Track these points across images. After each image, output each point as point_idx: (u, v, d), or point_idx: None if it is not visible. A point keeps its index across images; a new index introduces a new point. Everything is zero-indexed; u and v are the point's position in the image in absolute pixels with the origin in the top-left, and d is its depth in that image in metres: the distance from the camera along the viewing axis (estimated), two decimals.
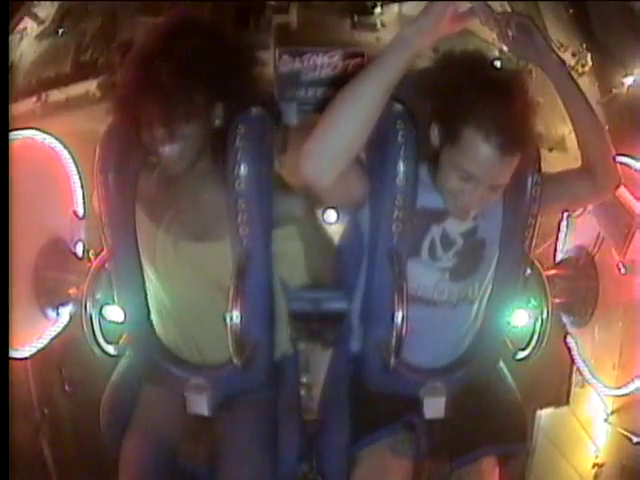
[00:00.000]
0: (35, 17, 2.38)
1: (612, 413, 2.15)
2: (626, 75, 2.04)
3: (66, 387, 2.42)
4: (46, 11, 2.44)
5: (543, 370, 1.69)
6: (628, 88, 2.04)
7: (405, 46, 1.30)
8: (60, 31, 2.52)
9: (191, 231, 1.59)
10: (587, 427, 2.32)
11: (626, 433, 2.01)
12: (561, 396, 2.47)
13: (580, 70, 2.18)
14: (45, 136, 1.92)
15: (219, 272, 1.56)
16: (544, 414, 2.40)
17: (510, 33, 1.40)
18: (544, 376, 1.69)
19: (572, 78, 1.51)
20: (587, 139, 1.58)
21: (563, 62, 1.50)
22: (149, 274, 1.66)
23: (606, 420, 2.17)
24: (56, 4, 2.46)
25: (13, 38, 2.28)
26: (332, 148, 1.35)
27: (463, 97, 1.41)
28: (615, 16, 2.01)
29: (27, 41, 2.37)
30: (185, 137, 1.48)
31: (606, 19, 1.95)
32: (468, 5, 1.31)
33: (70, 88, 2.18)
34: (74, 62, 2.57)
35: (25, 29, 2.35)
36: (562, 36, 2.13)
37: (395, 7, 3.36)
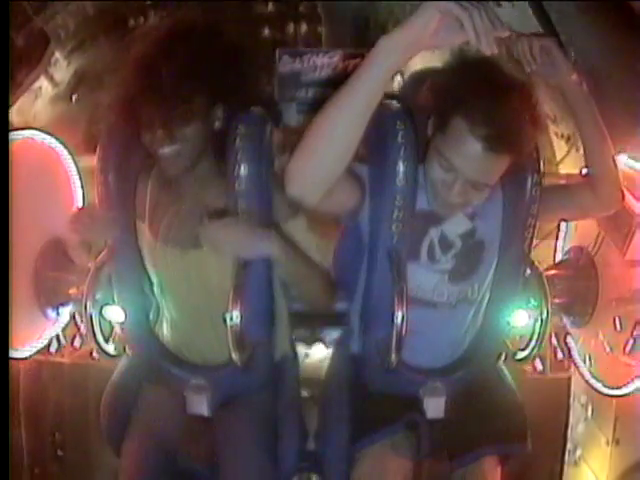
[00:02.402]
0: (51, 79, 2.39)
1: None
2: (619, 152, 1.99)
3: (58, 452, 2.44)
4: (62, 74, 2.43)
5: (534, 450, 1.71)
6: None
7: (385, 59, 1.18)
8: (74, 97, 2.52)
9: (190, 238, 1.59)
10: None
11: None
12: (553, 475, 2.47)
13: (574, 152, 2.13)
14: (45, 136, 1.92)
15: (221, 276, 1.55)
16: None
17: (533, 55, 1.41)
18: (535, 455, 1.69)
19: (589, 99, 1.51)
20: (597, 159, 1.59)
21: (581, 82, 1.50)
22: (150, 278, 1.66)
23: None
24: (72, 68, 2.46)
25: (29, 97, 2.29)
26: (314, 170, 1.31)
27: (459, 86, 1.40)
28: (613, 93, 1.99)
29: (41, 102, 2.37)
30: (185, 139, 1.48)
31: (603, 96, 1.93)
32: (454, 20, 1.12)
33: (80, 159, 2.16)
34: (85, 133, 2.56)
35: (40, 89, 2.35)
36: (557, 112, 2.07)
37: None
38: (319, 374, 1.84)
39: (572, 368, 2.20)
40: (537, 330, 1.82)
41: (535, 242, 1.68)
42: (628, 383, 1.89)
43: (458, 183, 1.45)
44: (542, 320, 1.81)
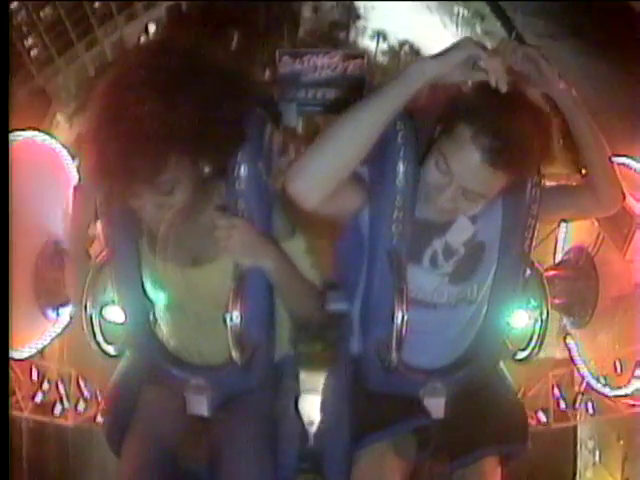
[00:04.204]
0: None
1: None
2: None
3: None
4: (64, 137, 2.42)
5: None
6: None
7: (410, 83, 1.33)
8: (75, 162, 2.51)
9: (190, 257, 1.58)
10: None
11: None
12: None
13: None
14: (45, 137, 1.92)
15: (221, 287, 1.52)
16: None
17: (516, 61, 1.41)
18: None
19: (579, 104, 1.51)
20: (592, 160, 1.58)
21: (569, 87, 1.49)
22: (150, 285, 1.66)
23: None
24: (74, 131, 2.45)
25: None
26: (321, 172, 1.37)
27: (473, 95, 1.41)
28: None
29: None
30: (172, 204, 1.43)
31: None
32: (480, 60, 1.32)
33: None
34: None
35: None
36: None
37: None
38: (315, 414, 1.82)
39: (577, 417, 2.20)
40: (537, 330, 1.81)
41: (535, 242, 1.67)
42: (628, 383, 1.89)
43: (451, 188, 1.45)
44: (542, 320, 1.81)
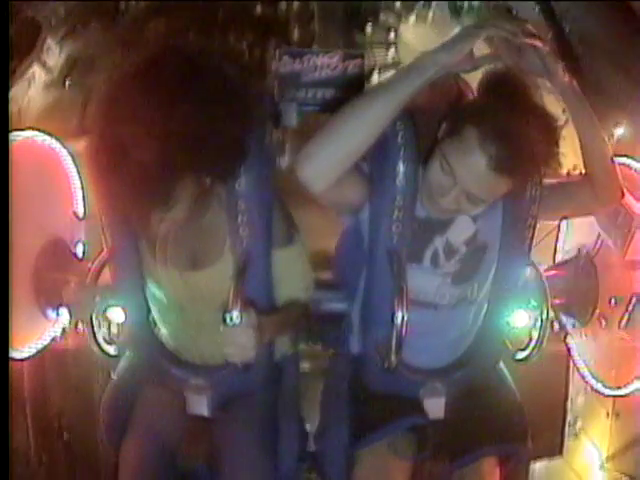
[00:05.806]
0: (44, 65, 2.38)
1: (607, 460, 2.15)
2: (616, 125, 2.00)
3: (65, 435, 2.43)
4: (54, 60, 2.42)
5: (534, 422, 1.71)
6: (618, 139, 2.01)
7: (421, 73, 1.34)
8: (67, 83, 2.51)
9: (190, 260, 1.58)
10: (583, 476, 2.33)
11: (624, 478, 2.01)
12: (554, 447, 2.47)
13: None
14: (45, 137, 1.93)
15: (221, 292, 1.50)
16: (538, 467, 2.38)
17: (518, 44, 1.40)
18: (535, 428, 1.70)
19: (581, 95, 1.50)
20: (593, 156, 1.57)
21: (571, 78, 1.49)
22: (150, 287, 1.66)
23: (601, 467, 2.17)
24: (64, 54, 2.45)
25: (22, 84, 2.27)
26: (330, 156, 1.39)
27: (484, 98, 1.42)
28: (608, 66, 2.00)
29: (35, 89, 2.34)
30: (173, 217, 1.41)
31: (598, 70, 1.93)
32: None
33: (76, 144, 2.13)
34: (80, 117, 2.53)
35: (33, 75, 2.35)
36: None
37: None
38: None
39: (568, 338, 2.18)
40: (537, 330, 1.82)
41: (535, 242, 1.67)
42: (628, 384, 1.90)
43: (454, 190, 1.44)
44: (542, 320, 1.82)
